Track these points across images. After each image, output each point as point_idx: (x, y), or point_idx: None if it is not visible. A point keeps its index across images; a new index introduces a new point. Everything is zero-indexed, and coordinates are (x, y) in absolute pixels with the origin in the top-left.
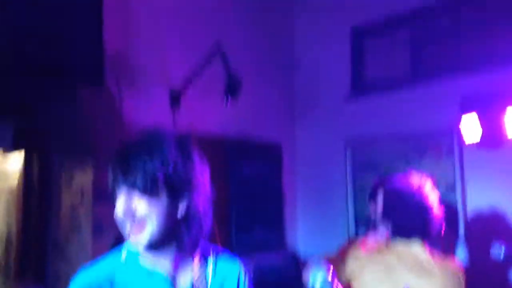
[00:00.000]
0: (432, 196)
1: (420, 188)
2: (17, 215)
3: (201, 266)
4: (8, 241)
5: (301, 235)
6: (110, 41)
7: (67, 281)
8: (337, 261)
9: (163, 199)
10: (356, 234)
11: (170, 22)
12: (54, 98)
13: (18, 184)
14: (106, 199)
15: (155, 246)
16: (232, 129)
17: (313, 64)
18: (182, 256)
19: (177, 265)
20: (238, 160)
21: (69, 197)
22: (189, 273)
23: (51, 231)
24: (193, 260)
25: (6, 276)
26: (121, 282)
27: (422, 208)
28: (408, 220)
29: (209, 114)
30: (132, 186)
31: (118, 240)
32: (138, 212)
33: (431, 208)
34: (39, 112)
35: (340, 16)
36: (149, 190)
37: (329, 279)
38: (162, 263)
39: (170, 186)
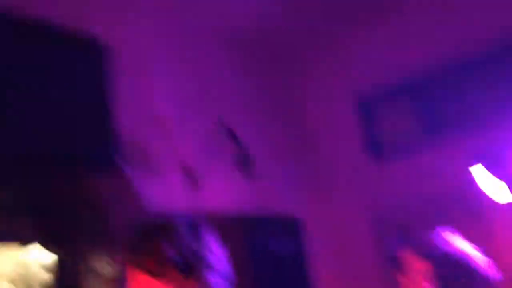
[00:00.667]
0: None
1: (467, 251)
2: None
3: None
4: None
5: None
6: (122, 127)
7: None
8: None
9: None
10: None
11: (184, 102)
12: (70, 192)
13: (45, 280)
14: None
15: None
16: (250, 206)
17: (328, 136)
18: None
19: None
20: (259, 237)
21: (89, 286)
22: None
23: None
24: None
25: None
26: None
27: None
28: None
29: (225, 192)
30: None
31: None
32: None
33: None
34: (57, 207)
35: (349, 84)
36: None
37: None
38: None
39: (183, 270)
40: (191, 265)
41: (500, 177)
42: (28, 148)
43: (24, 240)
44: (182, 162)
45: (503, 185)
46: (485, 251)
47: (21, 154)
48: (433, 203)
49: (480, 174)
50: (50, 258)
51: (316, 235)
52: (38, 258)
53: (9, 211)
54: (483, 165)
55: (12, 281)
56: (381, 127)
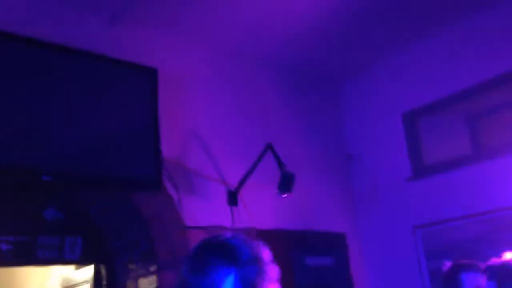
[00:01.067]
0: None
1: None
2: None
3: None
4: None
5: None
6: (167, 146)
7: None
8: None
9: None
10: None
11: (225, 123)
12: (115, 209)
13: None
14: None
15: None
16: (291, 223)
17: (369, 151)
18: None
19: None
20: (302, 252)
21: None
22: None
23: None
24: None
25: None
26: None
27: None
28: None
29: (267, 209)
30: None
31: None
32: None
33: None
34: (103, 224)
35: (388, 101)
36: None
37: None
38: None
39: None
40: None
41: None
42: (80, 168)
43: (71, 259)
44: (224, 180)
45: None
46: None
47: (71, 175)
48: (484, 221)
49: None
50: (94, 273)
51: (358, 249)
52: (85, 275)
53: (57, 231)
54: None
55: None
56: (425, 142)
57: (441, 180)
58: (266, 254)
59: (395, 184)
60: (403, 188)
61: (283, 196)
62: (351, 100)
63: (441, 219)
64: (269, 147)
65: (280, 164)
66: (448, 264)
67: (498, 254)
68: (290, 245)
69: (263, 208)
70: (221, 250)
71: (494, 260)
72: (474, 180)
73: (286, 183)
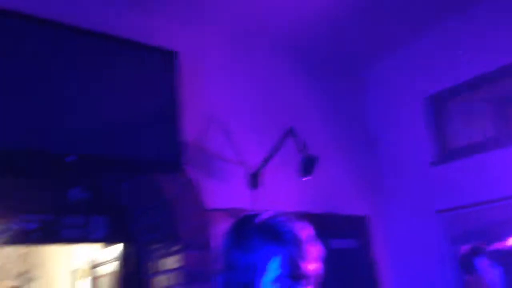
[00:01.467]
0: None
1: None
2: None
3: None
4: None
5: None
6: (187, 128)
7: None
8: None
9: None
10: None
11: (244, 106)
12: (138, 190)
13: (115, 272)
14: (193, 280)
15: None
16: (313, 206)
17: (393, 135)
18: None
19: None
20: (324, 235)
21: (159, 281)
22: None
23: None
24: None
25: None
26: None
27: None
28: None
29: (288, 192)
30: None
31: None
32: None
33: None
34: (127, 205)
35: (413, 84)
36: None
37: None
38: None
39: None
40: None
41: None
42: (103, 150)
43: (96, 238)
44: (245, 162)
45: None
46: None
47: (95, 156)
48: (509, 206)
49: None
50: (120, 252)
51: (381, 233)
52: (110, 255)
53: (82, 210)
54: None
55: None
56: (450, 126)
57: (466, 164)
58: (309, 233)
59: (419, 168)
60: (427, 172)
61: (305, 179)
62: (375, 83)
63: (466, 204)
64: (291, 130)
65: (301, 147)
66: (465, 248)
67: None
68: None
69: (284, 191)
70: (266, 229)
71: (499, 245)
72: (500, 164)
73: (307, 166)
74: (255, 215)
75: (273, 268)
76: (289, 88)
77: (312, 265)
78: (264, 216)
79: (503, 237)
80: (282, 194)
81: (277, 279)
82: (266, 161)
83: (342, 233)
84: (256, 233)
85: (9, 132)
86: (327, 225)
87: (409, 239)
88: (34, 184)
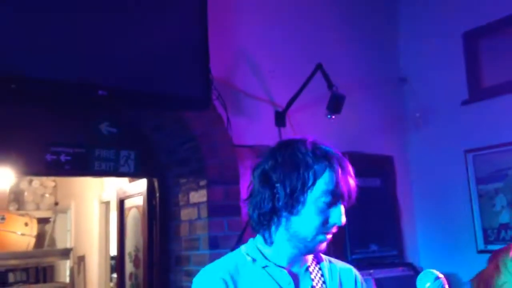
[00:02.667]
0: None
1: None
2: (143, 233)
3: (316, 265)
4: (136, 256)
5: (422, 250)
6: (216, 65)
7: None
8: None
9: None
10: (486, 246)
11: (274, 42)
12: (166, 126)
13: (143, 206)
14: (218, 214)
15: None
16: (339, 145)
17: (423, 73)
18: (302, 258)
19: (298, 265)
20: None
21: (186, 215)
22: (307, 271)
23: (173, 247)
24: (309, 262)
25: (137, 287)
26: (243, 276)
27: None
28: None
29: (315, 130)
30: (349, 205)
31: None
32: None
33: None
34: (155, 140)
35: (447, 21)
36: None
37: (442, 285)
38: (289, 261)
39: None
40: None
41: None
42: (133, 85)
43: (126, 171)
44: (272, 101)
45: None
46: None
47: (125, 91)
48: None
49: None
50: (148, 186)
51: (406, 173)
52: (139, 188)
53: (112, 144)
54: None
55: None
56: (483, 64)
57: (498, 104)
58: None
59: (450, 107)
60: (458, 112)
61: (332, 117)
62: (407, 19)
63: (494, 144)
64: (319, 67)
65: (329, 84)
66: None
67: None
68: None
69: (311, 129)
70: (318, 149)
71: None
72: None
73: (335, 104)
74: (300, 140)
75: (321, 183)
76: (320, 24)
77: (350, 185)
78: (310, 139)
79: None
80: (308, 132)
81: (324, 193)
82: (293, 99)
83: (368, 172)
84: (310, 152)
85: (44, 61)
86: (352, 164)
87: (434, 179)
88: (65, 116)
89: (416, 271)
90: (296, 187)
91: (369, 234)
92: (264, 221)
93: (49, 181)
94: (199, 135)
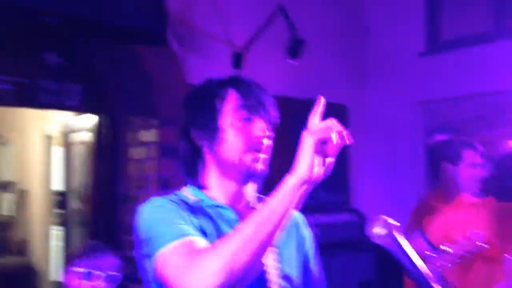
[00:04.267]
0: None
1: None
2: (90, 170)
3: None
4: (82, 193)
5: (368, 198)
6: (172, 1)
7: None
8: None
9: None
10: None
11: None
12: (118, 60)
13: (90, 142)
14: (169, 155)
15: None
16: (296, 90)
17: (383, 24)
18: (244, 196)
19: (242, 201)
20: (303, 120)
21: (135, 154)
22: (250, 208)
23: (121, 186)
24: (252, 200)
25: (82, 224)
26: (196, 208)
27: None
28: None
29: (272, 75)
30: (269, 119)
31: None
32: (268, 143)
33: None
34: (104, 74)
35: None
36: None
37: (393, 231)
38: (232, 198)
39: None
40: None
41: None
42: (84, 13)
43: (71, 105)
44: (230, 41)
45: None
46: None
47: (74, 19)
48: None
49: None
50: (96, 122)
51: (360, 122)
52: (85, 123)
53: (58, 76)
54: None
55: (59, 144)
56: (443, 16)
57: (456, 57)
58: None
59: (407, 59)
60: (415, 63)
61: (291, 62)
62: None
63: (448, 97)
64: (281, 8)
65: (291, 28)
66: (439, 137)
67: (496, 136)
68: (292, 113)
69: (268, 73)
70: (208, 81)
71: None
72: (491, 59)
73: (295, 48)
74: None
75: (231, 101)
76: None
77: (262, 96)
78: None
79: (478, 132)
80: (265, 76)
81: (236, 110)
82: (252, 40)
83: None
84: (210, 84)
85: None
86: (307, 111)
87: (386, 130)
88: (9, 45)
89: (362, 218)
90: (207, 118)
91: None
92: (193, 166)
93: None
94: (152, 71)
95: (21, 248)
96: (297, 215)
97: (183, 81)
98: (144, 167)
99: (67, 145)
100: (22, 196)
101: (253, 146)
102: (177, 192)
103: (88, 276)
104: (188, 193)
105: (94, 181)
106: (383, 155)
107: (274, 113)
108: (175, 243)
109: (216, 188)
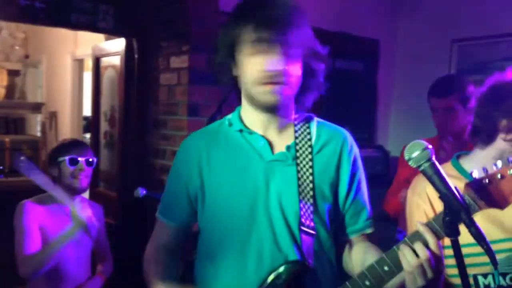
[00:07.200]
0: None
1: None
2: (120, 93)
3: (304, 128)
4: (112, 116)
5: (393, 136)
6: None
7: (165, 156)
8: None
9: (299, 65)
10: None
11: None
12: None
13: (121, 66)
14: (200, 81)
15: (283, 105)
16: (326, 22)
17: None
18: (286, 117)
19: (275, 126)
20: (332, 54)
21: (166, 79)
22: (290, 134)
23: (151, 110)
24: (293, 121)
25: (111, 146)
26: (220, 141)
27: None
28: None
29: (302, 3)
30: (288, 47)
31: (212, 120)
32: (289, 71)
33: None
34: None
35: None
36: (296, 56)
37: (432, 156)
38: (261, 125)
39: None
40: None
41: None
42: None
43: (104, 27)
44: None
45: None
46: None
47: None
48: None
49: None
50: (128, 46)
51: (390, 58)
52: (116, 47)
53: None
54: None
55: (90, 69)
56: None
57: None
58: None
59: None
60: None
61: None
62: None
63: (483, 36)
64: None
65: None
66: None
67: None
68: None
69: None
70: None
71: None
72: None
73: None
74: None
75: (248, 30)
76: None
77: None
78: None
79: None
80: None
81: (248, 36)
82: None
83: (352, 54)
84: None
85: None
86: (337, 45)
87: (417, 68)
88: None
89: (386, 154)
90: (228, 41)
91: (343, 115)
92: (228, 82)
93: (19, 32)
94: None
95: None
96: (343, 135)
97: (216, 7)
98: (174, 92)
99: (98, 68)
100: (51, 118)
101: (261, 79)
102: (221, 120)
103: (71, 161)
104: (230, 116)
105: (124, 105)
106: (412, 95)
107: (295, 40)
108: (158, 217)
109: (249, 114)
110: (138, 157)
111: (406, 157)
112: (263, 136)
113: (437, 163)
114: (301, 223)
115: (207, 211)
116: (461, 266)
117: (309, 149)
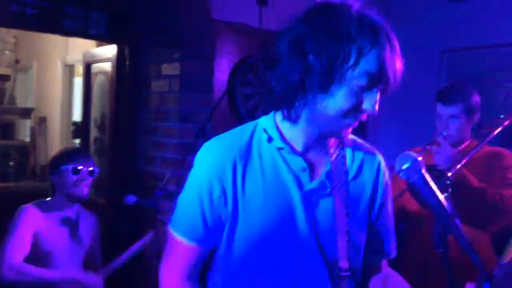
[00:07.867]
0: None
1: None
2: (110, 100)
3: (339, 148)
4: (102, 122)
5: (383, 145)
6: None
7: (155, 163)
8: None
9: None
10: None
11: None
12: None
13: (112, 72)
14: (191, 89)
15: None
16: None
17: None
18: (323, 142)
19: (317, 149)
20: None
21: (157, 86)
22: (326, 154)
23: (142, 117)
24: (330, 141)
25: (100, 153)
26: (255, 156)
27: None
28: None
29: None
30: (386, 92)
31: (203, 128)
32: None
33: None
34: (129, 4)
35: None
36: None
37: (422, 168)
38: (304, 143)
39: None
40: None
41: None
42: None
43: (95, 34)
44: None
45: None
46: None
47: None
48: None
49: None
50: (119, 52)
51: None
52: (107, 53)
53: (82, 3)
54: None
55: (80, 74)
56: None
57: (482, 6)
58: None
59: (436, 4)
60: (444, 10)
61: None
62: None
63: (471, 46)
64: None
65: None
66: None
67: None
68: None
69: (295, 10)
70: (366, 21)
71: None
72: None
73: None
74: (342, 3)
75: (364, 63)
76: None
77: (397, 68)
78: (356, 7)
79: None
80: (292, 13)
81: (364, 75)
82: None
83: None
84: (355, 21)
85: None
86: None
87: (406, 77)
88: None
89: None
90: (334, 62)
91: None
92: (289, 95)
93: (10, 37)
94: (177, 4)
95: (40, 173)
96: (377, 158)
97: (208, 15)
98: (165, 100)
99: (89, 74)
100: (41, 123)
101: (356, 115)
102: (249, 125)
103: (74, 171)
104: (266, 125)
105: (115, 112)
106: (400, 105)
107: (394, 86)
108: (178, 236)
109: (299, 129)
110: (128, 164)
111: (397, 169)
112: (302, 157)
113: (427, 175)
114: (339, 268)
115: (238, 237)
116: (451, 278)
117: (345, 176)
